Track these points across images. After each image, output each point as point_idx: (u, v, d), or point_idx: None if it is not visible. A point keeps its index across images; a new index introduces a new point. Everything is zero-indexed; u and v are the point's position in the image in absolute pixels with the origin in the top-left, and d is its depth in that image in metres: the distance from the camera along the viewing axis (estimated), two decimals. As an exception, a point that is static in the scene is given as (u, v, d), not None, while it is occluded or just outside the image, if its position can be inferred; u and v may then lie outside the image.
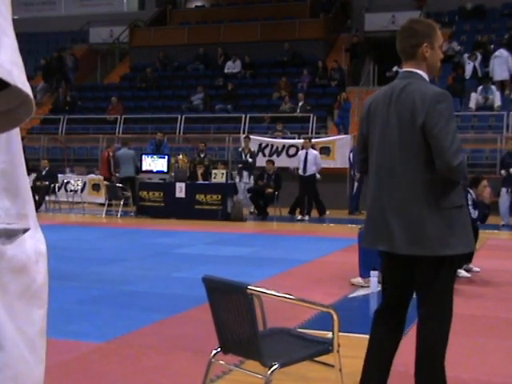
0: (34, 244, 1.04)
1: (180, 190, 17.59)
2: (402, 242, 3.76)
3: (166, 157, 18.53)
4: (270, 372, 3.44)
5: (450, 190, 3.74)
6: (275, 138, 21.86)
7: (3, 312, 0.95)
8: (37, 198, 18.96)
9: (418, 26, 3.92)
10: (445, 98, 3.72)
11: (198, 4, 33.27)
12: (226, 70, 27.66)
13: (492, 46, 24.62)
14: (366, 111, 4.04)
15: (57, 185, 20.28)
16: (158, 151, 20.10)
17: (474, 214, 8.77)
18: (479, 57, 23.55)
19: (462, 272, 8.97)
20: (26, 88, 0.90)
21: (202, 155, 19.83)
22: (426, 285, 3.85)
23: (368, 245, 4.08)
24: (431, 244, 3.71)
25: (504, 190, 16.53)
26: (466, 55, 24.03)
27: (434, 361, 3.85)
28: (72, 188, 20.87)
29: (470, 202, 8.76)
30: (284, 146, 21.15)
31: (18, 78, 0.88)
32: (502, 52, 22.67)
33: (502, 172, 16.62)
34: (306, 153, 17.99)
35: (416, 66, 3.87)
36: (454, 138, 3.65)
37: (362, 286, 8.16)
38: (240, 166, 19.32)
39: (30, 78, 1.02)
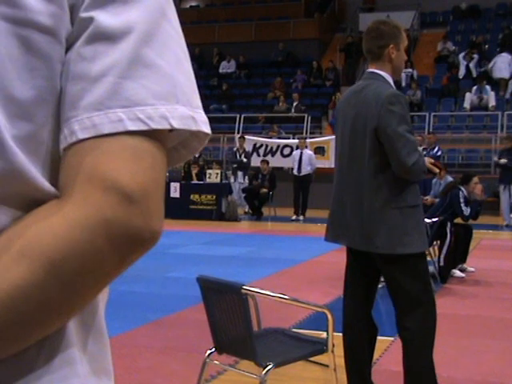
0: None
1: (174, 189, 17.58)
2: (358, 238, 3.85)
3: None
4: (264, 372, 3.44)
5: (405, 190, 3.77)
6: (270, 137, 21.88)
7: (108, 343, 0.95)
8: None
9: (384, 27, 3.95)
10: (397, 100, 3.76)
11: (193, 4, 33.25)
12: (220, 70, 27.67)
13: (487, 47, 24.70)
14: (336, 112, 4.20)
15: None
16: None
17: (466, 211, 8.79)
18: (476, 57, 23.64)
19: (456, 272, 8.99)
20: (206, 127, 0.87)
21: (197, 155, 19.82)
22: (391, 286, 3.92)
23: (330, 239, 4.14)
24: (383, 242, 3.75)
25: (501, 187, 16.37)
26: (461, 55, 24.09)
27: (420, 362, 3.85)
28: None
29: (461, 200, 8.78)
30: (279, 146, 21.15)
31: (200, 121, 0.86)
32: (505, 55, 22.84)
33: (501, 161, 16.14)
34: (301, 153, 18.00)
35: (380, 68, 3.92)
36: (408, 139, 3.68)
37: (357, 286, 8.14)
38: (235, 166, 19.31)
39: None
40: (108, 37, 0.81)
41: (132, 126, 0.79)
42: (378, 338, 4.21)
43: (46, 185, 0.81)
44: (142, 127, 0.80)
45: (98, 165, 0.78)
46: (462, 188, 8.94)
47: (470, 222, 9.15)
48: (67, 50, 0.82)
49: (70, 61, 0.82)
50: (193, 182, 18.35)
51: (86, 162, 0.78)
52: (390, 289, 3.94)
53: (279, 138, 22.08)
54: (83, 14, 0.82)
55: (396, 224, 3.74)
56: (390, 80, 3.93)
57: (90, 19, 0.81)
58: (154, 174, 0.80)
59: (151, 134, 0.81)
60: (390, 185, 3.76)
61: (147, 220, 0.79)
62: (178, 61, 0.86)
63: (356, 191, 3.85)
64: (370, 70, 3.97)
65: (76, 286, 0.77)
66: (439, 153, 16.32)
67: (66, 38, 0.82)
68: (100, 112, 0.79)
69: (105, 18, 0.81)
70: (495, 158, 16.98)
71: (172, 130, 0.85)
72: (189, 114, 0.84)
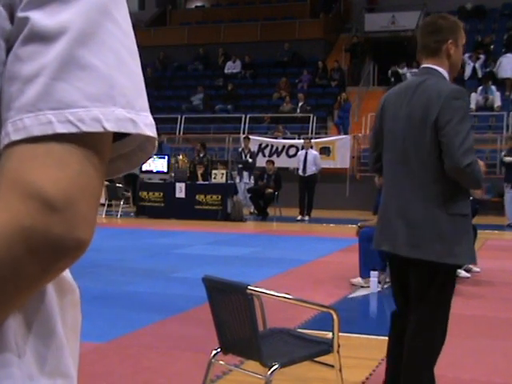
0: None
1: (180, 190, 17.59)
2: (403, 244, 3.61)
3: (166, 157, 18.52)
4: (270, 372, 3.44)
5: (459, 196, 3.55)
6: (275, 138, 21.89)
7: (66, 346, 0.93)
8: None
9: (443, 22, 3.75)
10: (461, 95, 3.54)
11: (198, 4, 33.28)
12: (226, 70, 27.68)
13: (492, 47, 24.69)
14: (380, 108, 3.87)
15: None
16: (158, 151, 20.08)
17: None
18: (482, 57, 23.64)
19: (461, 272, 8.97)
20: (149, 130, 0.86)
21: (202, 155, 19.83)
22: (419, 293, 3.68)
23: (375, 246, 3.91)
24: (433, 249, 3.53)
25: (507, 186, 16.23)
26: (466, 55, 24.05)
27: (417, 378, 3.72)
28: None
29: None
30: (284, 147, 21.17)
31: (142, 123, 0.85)
32: (511, 56, 22.85)
33: (506, 159, 16.00)
34: (306, 153, 18.00)
35: (437, 63, 3.69)
36: (467, 138, 3.42)
37: (362, 286, 8.15)
38: (240, 166, 19.32)
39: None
40: (42, 37, 0.79)
41: (61, 129, 0.78)
42: (383, 337, 4.19)
43: None
44: (72, 130, 0.78)
45: (22, 170, 0.77)
46: None
47: (474, 221, 9.12)
48: (9, 50, 0.81)
49: (9, 61, 0.81)
50: (198, 182, 18.35)
51: (12, 167, 0.77)
52: (417, 299, 3.69)
53: (284, 138, 22.09)
54: (20, 14, 0.80)
55: (449, 232, 3.52)
56: (447, 77, 3.70)
57: (26, 19, 0.80)
58: (80, 180, 0.78)
59: (83, 139, 0.79)
60: (446, 189, 3.53)
61: (71, 228, 0.77)
62: (119, 61, 0.83)
63: (408, 193, 3.62)
64: (426, 65, 3.73)
65: None
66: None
67: (4, 39, 0.81)
68: (31, 114, 0.78)
69: (40, 18, 0.80)
70: (503, 153, 16.94)
71: (127, 135, 0.84)
72: (127, 116, 0.82)
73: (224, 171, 18.08)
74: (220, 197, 17.27)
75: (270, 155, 20.79)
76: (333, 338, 3.69)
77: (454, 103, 3.47)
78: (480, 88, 22.19)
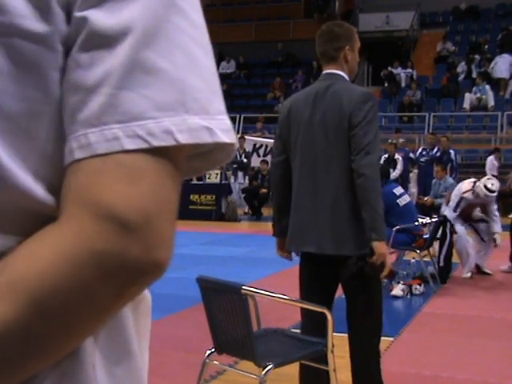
0: None
1: (174, 190, 17.57)
2: (329, 243, 3.78)
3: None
4: (264, 372, 3.44)
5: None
6: (260, 138, 21.89)
7: (142, 366, 0.86)
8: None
9: (339, 30, 3.94)
10: (370, 98, 3.71)
11: (193, 4, 33.27)
12: (220, 70, 27.67)
13: (486, 47, 24.74)
14: (285, 114, 3.93)
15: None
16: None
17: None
18: (477, 58, 23.71)
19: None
20: (226, 137, 0.76)
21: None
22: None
23: (295, 248, 4.11)
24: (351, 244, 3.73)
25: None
26: (462, 63, 24.10)
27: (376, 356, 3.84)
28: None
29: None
30: (278, 147, 21.12)
31: (218, 130, 0.75)
32: (506, 56, 22.93)
33: None
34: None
35: (337, 68, 3.86)
36: (374, 138, 3.59)
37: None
38: (235, 166, 19.31)
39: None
40: (104, 40, 0.72)
41: (129, 145, 0.70)
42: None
43: (40, 193, 0.73)
44: (142, 145, 0.70)
45: (91, 188, 0.69)
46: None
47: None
48: (68, 54, 0.73)
49: (68, 68, 0.73)
50: (192, 182, 18.33)
51: (79, 185, 0.70)
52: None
53: (265, 138, 22.10)
54: (77, 14, 0.72)
55: (361, 225, 3.67)
56: (348, 80, 3.88)
57: (84, 20, 0.72)
58: (156, 196, 0.71)
59: (155, 150, 0.71)
60: (353, 187, 3.67)
61: (148, 250, 0.70)
62: (190, 60, 0.74)
63: (325, 194, 3.72)
64: (328, 70, 3.88)
65: (64, 322, 0.70)
66: (438, 154, 16.12)
67: (62, 42, 0.73)
68: (95, 129, 0.71)
69: (99, 18, 0.71)
70: None
71: None
72: (201, 124, 0.74)
73: (218, 171, 18.07)
74: (214, 197, 17.26)
75: (265, 155, 20.77)
76: (327, 337, 3.69)
77: (363, 106, 3.63)
78: (474, 88, 22.23)
